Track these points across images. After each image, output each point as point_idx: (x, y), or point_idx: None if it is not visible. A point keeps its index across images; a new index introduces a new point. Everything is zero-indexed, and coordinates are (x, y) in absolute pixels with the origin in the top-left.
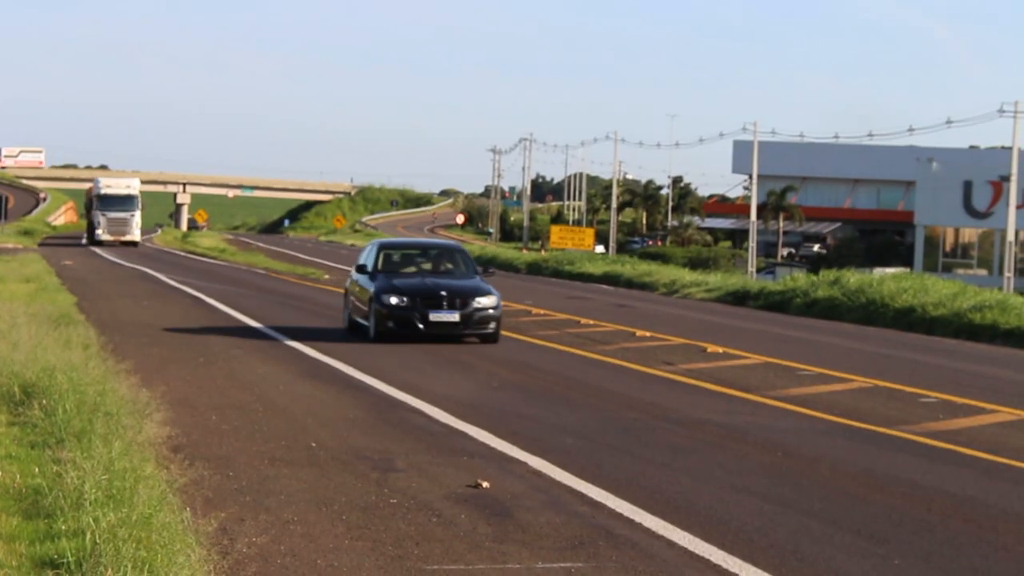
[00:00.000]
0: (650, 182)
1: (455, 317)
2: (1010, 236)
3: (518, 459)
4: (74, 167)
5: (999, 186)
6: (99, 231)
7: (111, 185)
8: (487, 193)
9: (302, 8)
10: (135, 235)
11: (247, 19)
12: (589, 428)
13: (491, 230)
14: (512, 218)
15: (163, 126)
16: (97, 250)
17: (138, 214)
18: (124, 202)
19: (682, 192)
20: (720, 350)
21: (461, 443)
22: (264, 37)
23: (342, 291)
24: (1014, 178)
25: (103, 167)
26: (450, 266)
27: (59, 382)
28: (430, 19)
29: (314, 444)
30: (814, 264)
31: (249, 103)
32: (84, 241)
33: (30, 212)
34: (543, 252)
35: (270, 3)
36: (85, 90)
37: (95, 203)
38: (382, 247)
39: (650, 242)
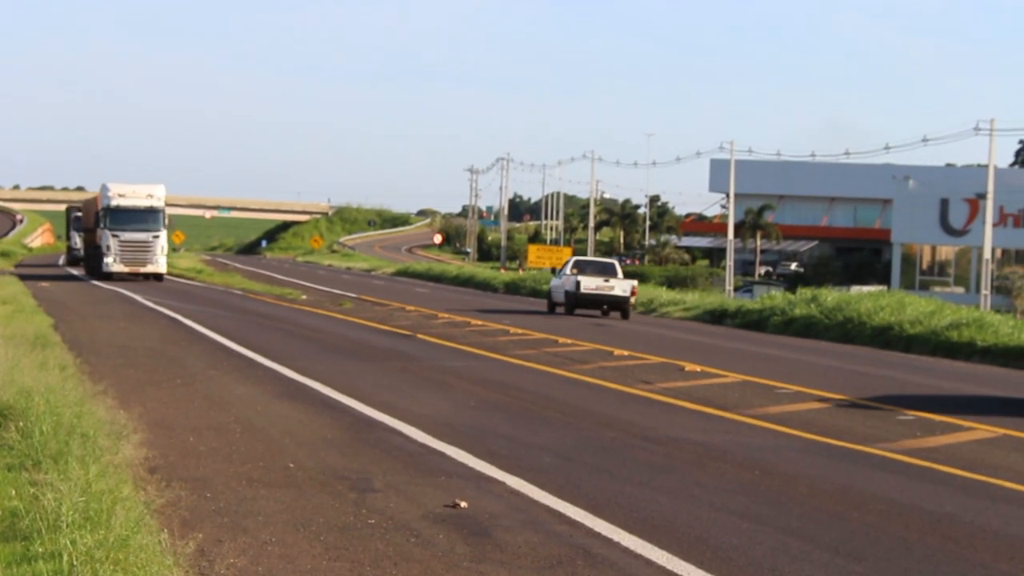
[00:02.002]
0: (627, 201)
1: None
2: (987, 253)
3: (496, 479)
4: (51, 188)
5: (975, 204)
6: (108, 259)
7: (126, 194)
8: (464, 213)
9: (279, 29)
10: (159, 265)
11: (224, 40)
12: (567, 447)
13: (468, 250)
14: (490, 238)
15: (139, 147)
16: (74, 270)
17: (164, 235)
18: (145, 218)
19: (659, 211)
20: (698, 369)
21: (439, 463)
22: (241, 58)
23: (320, 311)
24: (991, 196)
25: (80, 188)
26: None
27: (36, 404)
28: (407, 40)
29: (292, 465)
30: (791, 282)
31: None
32: (79, 272)
33: (7, 234)
34: (521, 272)
35: (245, 24)
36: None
37: (103, 219)
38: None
39: (628, 261)
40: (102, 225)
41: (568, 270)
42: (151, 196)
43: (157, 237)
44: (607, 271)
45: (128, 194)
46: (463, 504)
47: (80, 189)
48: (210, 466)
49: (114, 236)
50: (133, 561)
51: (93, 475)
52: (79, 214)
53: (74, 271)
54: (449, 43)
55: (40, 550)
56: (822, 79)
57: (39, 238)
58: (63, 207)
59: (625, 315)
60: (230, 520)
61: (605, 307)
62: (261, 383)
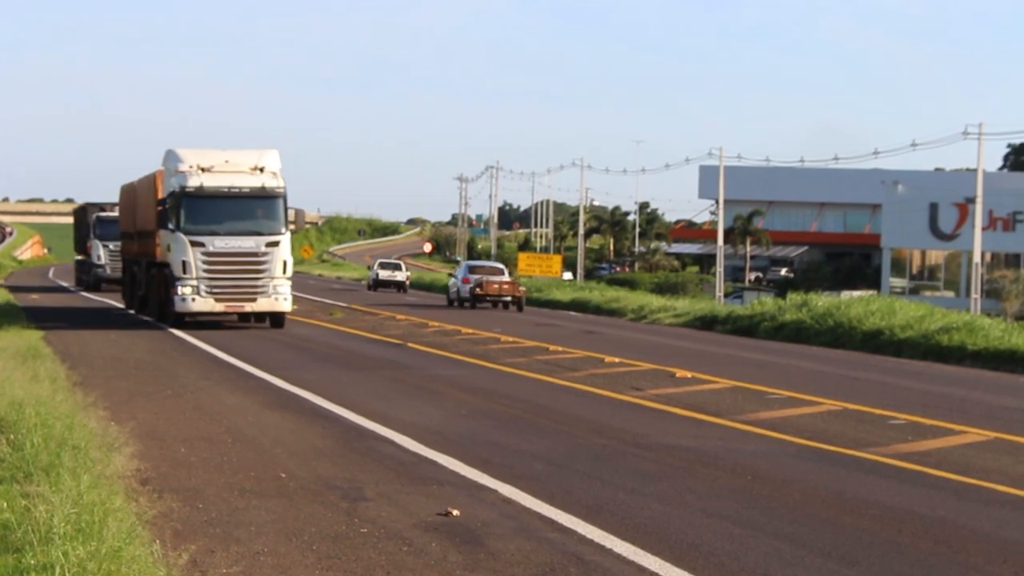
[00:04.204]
0: (617, 208)
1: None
2: (976, 257)
3: (488, 487)
4: (40, 200)
5: (965, 208)
6: (184, 289)
7: (214, 166)
8: (454, 221)
9: (266, 39)
10: (279, 297)
11: (212, 51)
12: (559, 455)
13: (459, 258)
14: (479, 246)
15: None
16: (64, 282)
17: (286, 242)
18: (251, 209)
19: (649, 218)
20: (689, 375)
21: (431, 471)
22: (229, 68)
23: (310, 321)
24: (979, 200)
25: (69, 200)
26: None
27: (27, 416)
28: (395, 48)
29: (283, 474)
30: (781, 288)
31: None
32: (123, 309)
33: None
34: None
35: (233, 34)
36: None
37: (171, 215)
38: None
39: (618, 268)
40: (170, 225)
41: (464, 273)
42: (260, 170)
43: (275, 245)
44: (497, 273)
45: (218, 166)
46: (455, 512)
47: (69, 201)
48: (202, 477)
49: (195, 246)
50: (125, 572)
51: (85, 487)
52: (106, 214)
53: (62, 281)
54: (437, 52)
55: (32, 562)
56: (811, 85)
57: (29, 250)
58: (52, 219)
59: (520, 308)
60: (222, 530)
61: (500, 302)
62: (252, 393)
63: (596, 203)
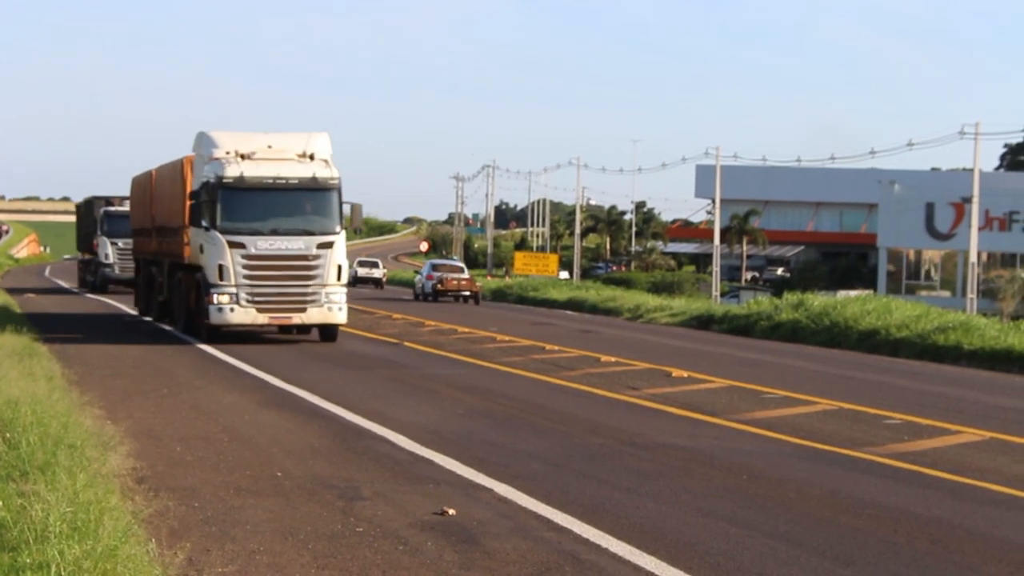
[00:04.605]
0: (613, 207)
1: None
2: (972, 257)
3: (484, 486)
4: (36, 199)
5: (961, 208)
6: (220, 297)
7: (256, 152)
8: (450, 220)
9: (264, 38)
10: (333, 307)
11: (208, 49)
12: (555, 454)
13: (455, 257)
14: (476, 245)
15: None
16: (63, 282)
17: (341, 244)
18: (299, 204)
19: (645, 217)
20: (685, 374)
21: (427, 471)
22: (226, 67)
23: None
24: (976, 199)
25: (65, 199)
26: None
27: (23, 415)
28: (392, 47)
29: (279, 473)
30: (778, 287)
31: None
32: (135, 315)
33: None
34: (507, 279)
35: (230, 34)
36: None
37: (205, 210)
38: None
39: (614, 267)
40: (203, 222)
41: (428, 271)
42: (309, 157)
43: (328, 247)
44: (457, 271)
45: (260, 152)
46: (451, 511)
47: (66, 199)
48: (198, 476)
49: (234, 247)
50: (121, 571)
51: (81, 485)
52: (114, 208)
53: (59, 280)
54: (434, 50)
55: (28, 561)
56: (808, 85)
57: (25, 248)
58: (49, 217)
59: (476, 302)
60: (218, 529)
61: (460, 297)
62: (248, 392)
63: (593, 202)
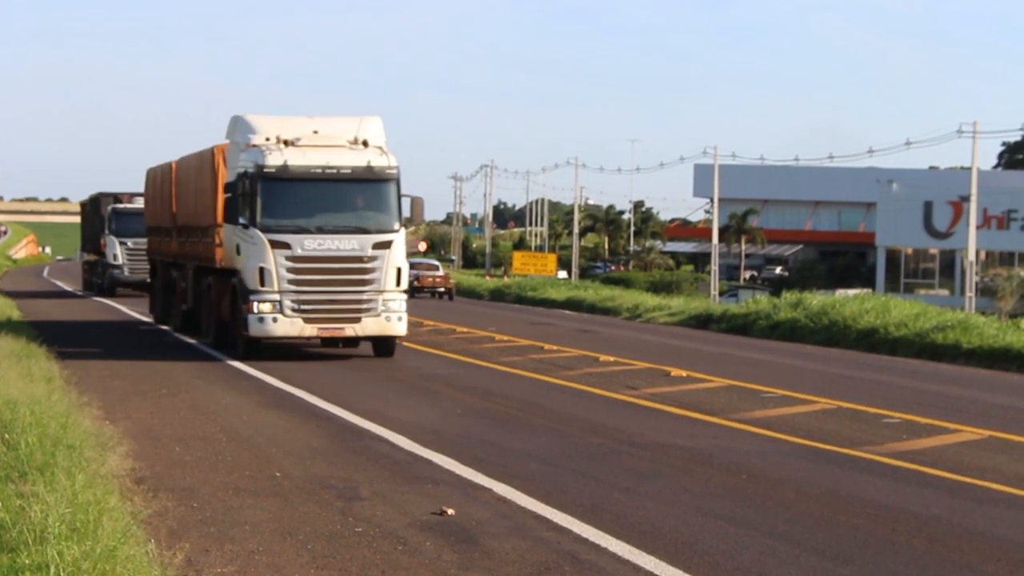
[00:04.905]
0: (612, 207)
1: None
2: (971, 256)
3: (483, 486)
4: (35, 200)
5: (959, 206)
6: (261, 306)
7: (302, 138)
8: (449, 220)
9: (263, 38)
10: (391, 317)
11: (208, 49)
12: (554, 454)
13: (453, 257)
14: (474, 245)
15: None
16: (63, 283)
17: (400, 243)
18: (351, 197)
19: (644, 216)
20: (684, 374)
21: (426, 470)
22: (225, 67)
23: None
24: (974, 198)
25: (63, 199)
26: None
27: (22, 415)
28: (391, 47)
29: (278, 474)
30: (776, 286)
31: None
32: (150, 323)
33: None
34: (506, 278)
35: (230, 33)
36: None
37: (243, 204)
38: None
39: (612, 267)
40: (240, 219)
41: None
42: (363, 143)
43: (385, 247)
44: (433, 269)
45: (306, 138)
46: (450, 511)
47: (64, 200)
48: (197, 476)
49: (277, 248)
50: (120, 572)
51: (80, 486)
52: (123, 206)
53: (57, 281)
54: (432, 50)
55: (27, 562)
56: (805, 83)
57: (23, 249)
58: (47, 218)
59: (450, 297)
60: (217, 530)
61: (435, 293)
62: (247, 392)
63: (591, 202)
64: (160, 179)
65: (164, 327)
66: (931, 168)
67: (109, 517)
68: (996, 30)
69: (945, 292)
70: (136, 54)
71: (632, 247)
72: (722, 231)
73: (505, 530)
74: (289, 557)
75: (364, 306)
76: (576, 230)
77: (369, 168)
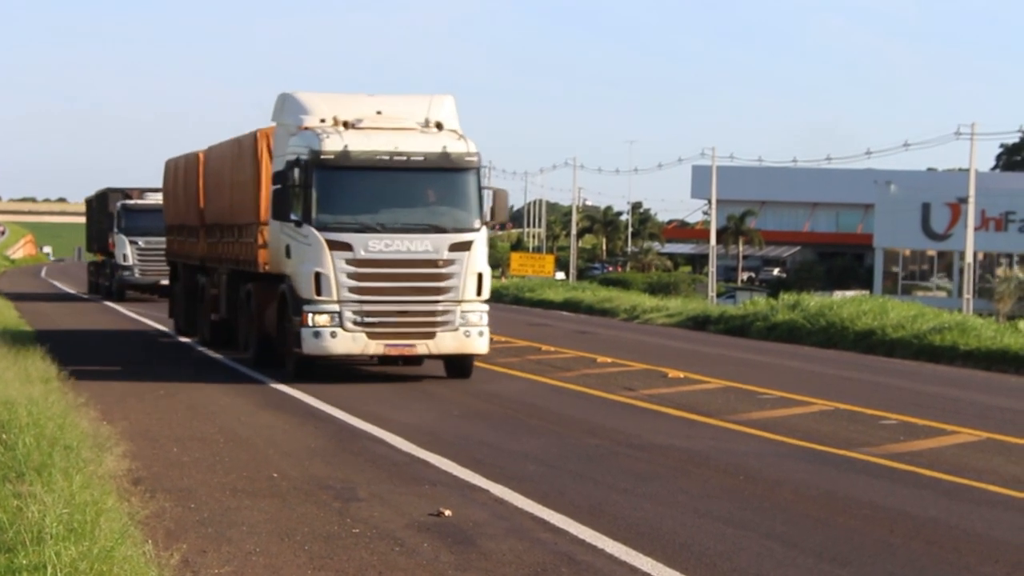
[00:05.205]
0: (609, 208)
1: None
2: (968, 257)
3: (480, 487)
4: (32, 200)
5: (957, 208)
6: (319, 317)
7: (363, 120)
8: None
9: (262, 38)
10: (470, 331)
11: (208, 50)
12: (551, 455)
13: None
14: None
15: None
16: (61, 283)
17: (482, 243)
18: (419, 189)
19: (641, 218)
20: (681, 375)
21: (423, 472)
22: (224, 68)
23: None
24: (972, 200)
25: (61, 199)
26: None
27: (19, 416)
28: (390, 47)
29: (276, 474)
30: (774, 288)
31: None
32: (170, 333)
33: None
34: (503, 279)
35: (229, 34)
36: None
37: (295, 197)
38: None
39: (610, 268)
40: (292, 215)
41: None
42: (437, 126)
43: (464, 248)
44: None
45: (369, 119)
46: (447, 512)
47: (62, 200)
48: (194, 477)
49: (336, 249)
50: (117, 572)
51: (77, 487)
52: (133, 202)
53: (55, 281)
54: (430, 51)
55: (24, 562)
56: (803, 85)
57: (21, 249)
58: (45, 218)
59: None
60: (214, 530)
61: None
62: (245, 393)
63: (589, 203)
64: (184, 171)
65: (185, 339)
66: (929, 170)
67: (106, 518)
68: (994, 32)
69: (942, 294)
70: (136, 54)
71: (630, 248)
72: (720, 232)
73: (502, 531)
74: (286, 558)
75: (439, 319)
76: (574, 231)
77: (445, 155)
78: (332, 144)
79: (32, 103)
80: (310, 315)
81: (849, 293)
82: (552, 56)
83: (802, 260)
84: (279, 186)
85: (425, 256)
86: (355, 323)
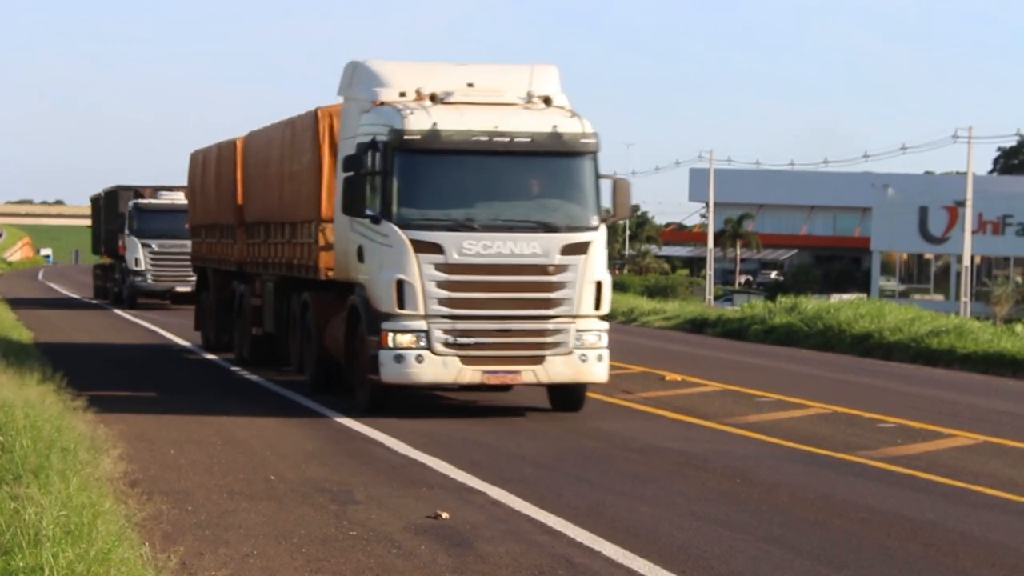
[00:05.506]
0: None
1: None
2: (966, 261)
3: (478, 489)
4: (29, 202)
5: (954, 211)
6: (403, 341)
7: (453, 91)
8: None
9: (263, 39)
10: (592, 362)
11: (206, 50)
12: (548, 457)
13: None
14: None
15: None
16: (57, 285)
17: (601, 244)
18: (522, 178)
19: (639, 221)
20: (678, 378)
21: (420, 474)
22: (223, 68)
23: None
24: (969, 203)
25: (58, 202)
26: None
27: (16, 418)
28: (389, 47)
29: (273, 477)
30: (772, 291)
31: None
32: (193, 347)
33: None
34: None
35: (227, 34)
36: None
37: (385, 192)
38: None
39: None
40: (368, 211)
41: None
42: (542, 100)
43: (579, 251)
44: None
45: (460, 92)
46: (445, 515)
47: (59, 203)
48: (191, 479)
49: (424, 251)
50: (115, 575)
51: (74, 489)
52: (146, 201)
53: (52, 284)
54: (431, 51)
55: (21, 564)
56: (801, 88)
57: (18, 252)
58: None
59: None
60: (211, 533)
61: None
62: (242, 395)
63: None
64: (216, 163)
65: (212, 355)
66: (927, 173)
67: (104, 520)
68: (992, 35)
69: (940, 297)
70: (135, 54)
71: (627, 251)
72: (717, 235)
73: (499, 534)
74: (283, 560)
75: (549, 339)
76: None
77: (556, 135)
78: (417, 122)
79: (29, 104)
80: (391, 334)
81: (846, 296)
82: (551, 57)
83: (799, 263)
84: (350, 174)
85: (533, 261)
86: (446, 344)
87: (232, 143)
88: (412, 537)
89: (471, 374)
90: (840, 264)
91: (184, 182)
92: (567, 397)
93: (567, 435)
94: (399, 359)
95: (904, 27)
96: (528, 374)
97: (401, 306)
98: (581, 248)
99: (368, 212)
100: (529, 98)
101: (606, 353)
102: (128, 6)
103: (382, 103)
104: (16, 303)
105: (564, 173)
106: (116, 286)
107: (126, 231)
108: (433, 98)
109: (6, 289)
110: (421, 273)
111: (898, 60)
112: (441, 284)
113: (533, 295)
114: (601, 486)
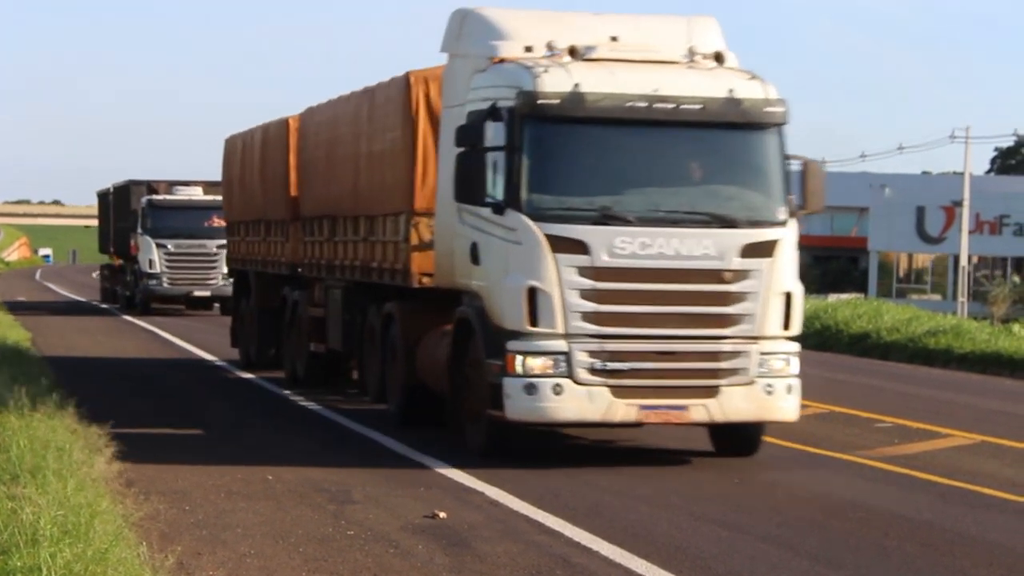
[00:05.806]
0: None
1: None
2: (963, 261)
3: (475, 489)
4: (27, 202)
5: (952, 211)
6: (534, 366)
7: (595, 45)
8: None
9: (263, 39)
10: (780, 393)
11: (211, 50)
12: (545, 457)
13: None
14: None
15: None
16: (53, 285)
17: (790, 243)
18: (685, 158)
19: None
20: None
21: (418, 474)
22: (228, 69)
23: None
24: (967, 203)
25: (56, 202)
26: None
27: (11, 419)
28: (389, 47)
29: (270, 477)
30: None
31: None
32: (227, 365)
33: None
34: None
35: (235, 35)
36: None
37: (513, 174)
38: None
39: None
40: (492, 193)
41: None
42: (710, 57)
43: (763, 254)
44: None
45: (603, 47)
46: (442, 515)
47: (57, 203)
48: (188, 478)
49: (562, 249)
50: (112, 574)
51: (71, 489)
52: (160, 197)
53: (49, 284)
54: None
55: (19, 564)
56: (797, 87)
57: (16, 252)
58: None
59: None
60: (209, 533)
61: None
62: (239, 395)
63: None
64: (261, 148)
65: (249, 374)
66: (924, 173)
67: (101, 520)
68: (989, 35)
69: (937, 297)
70: (135, 54)
71: None
72: None
73: (497, 533)
74: (281, 560)
75: (725, 365)
76: None
77: (734, 101)
78: (555, 82)
79: (28, 104)
80: (519, 357)
81: (844, 296)
82: None
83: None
84: (463, 149)
85: (705, 264)
86: (593, 371)
87: (283, 122)
88: (410, 537)
89: (625, 410)
90: (837, 264)
91: (196, 177)
92: (738, 438)
93: (565, 436)
94: (530, 390)
95: (902, 28)
96: (698, 410)
97: (534, 322)
98: (766, 249)
99: (488, 200)
100: (691, 55)
101: (797, 383)
102: (130, 6)
103: (502, 60)
104: (15, 307)
105: (743, 151)
106: (127, 289)
107: (139, 230)
108: (573, 53)
109: (4, 290)
110: (560, 279)
111: (896, 61)
112: (586, 294)
113: (705, 309)
114: (598, 486)
